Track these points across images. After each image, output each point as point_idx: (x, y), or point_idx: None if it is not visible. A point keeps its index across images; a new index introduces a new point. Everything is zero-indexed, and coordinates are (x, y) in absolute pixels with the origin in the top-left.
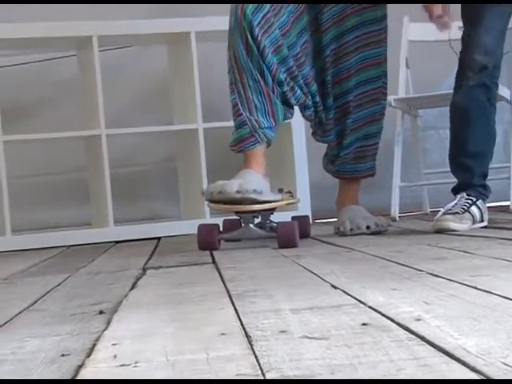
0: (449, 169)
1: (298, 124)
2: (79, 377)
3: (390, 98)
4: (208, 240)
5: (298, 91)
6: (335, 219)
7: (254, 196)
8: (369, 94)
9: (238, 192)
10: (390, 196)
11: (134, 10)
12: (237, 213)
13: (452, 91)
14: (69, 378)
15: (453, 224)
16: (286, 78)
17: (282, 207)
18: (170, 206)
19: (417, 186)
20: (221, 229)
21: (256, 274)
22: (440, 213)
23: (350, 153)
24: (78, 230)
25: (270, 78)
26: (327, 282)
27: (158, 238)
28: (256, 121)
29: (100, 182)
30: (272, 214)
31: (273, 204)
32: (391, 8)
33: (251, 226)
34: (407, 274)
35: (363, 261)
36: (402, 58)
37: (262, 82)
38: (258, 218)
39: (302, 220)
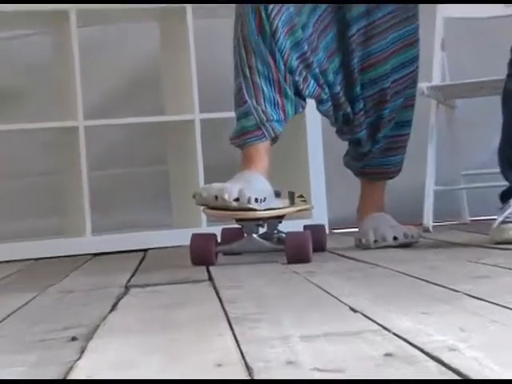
0: (491, 170)
1: (313, 114)
2: None
3: (423, 85)
4: (203, 253)
5: (312, 82)
6: (356, 229)
7: (255, 206)
8: (406, 79)
9: (236, 200)
10: (421, 202)
11: None
12: (238, 221)
13: (500, 78)
14: None
15: None
16: (298, 66)
17: (292, 214)
18: (160, 212)
19: (454, 189)
20: (219, 240)
21: (260, 293)
22: (498, 221)
23: (382, 145)
24: (48, 239)
25: (282, 64)
26: (345, 303)
27: (144, 251)
28: (263, 112)
29: (76, 184)
30: (280, 222)
31: (281, 211)
32: None
33: (255, 236)
34: (441, 295)
35: (389, 279)
36: (436, 39)
37: (273, 67)
38: (263, 227)
39: (316, 230)
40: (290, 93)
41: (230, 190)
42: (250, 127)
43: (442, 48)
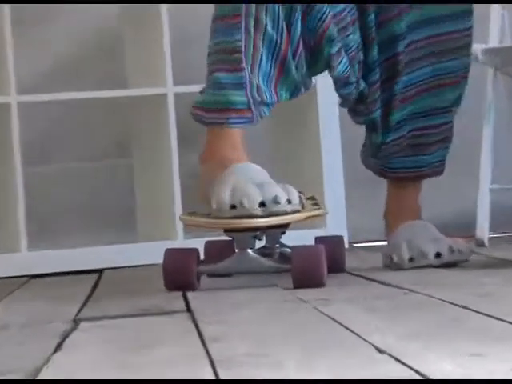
0: None
1: (327, 93)
2: None
3: (477, 47)
4: (180, 275)
5: (345, 59)
6: (384, 242)
7: (287, 209)
8: (436, 42)
9: (262, 205)
10: (473, 206)
11: None
12: (228, 232)
13: None
14: None
15: None
16: (337, 36)
17: (300, 222)
18: (120, 220)
19: None
20: (201, 256)
21: (255, 329)
22: None
23: (403, 138)
24: None
25: (298, 31)
26: (368, 342)
27: (99, 271)
28: (258, 88)
29: (7, 182)
30: (283, 233)
31: (285, 217)
32: None
33: (250, 252)
34: (496, 330)
35: (427, 309)
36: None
37: (285, 35)
38: (260, 239)
39: (332, 243)
40: (294, 72)
41: (253, 194)
42: (240, 104)
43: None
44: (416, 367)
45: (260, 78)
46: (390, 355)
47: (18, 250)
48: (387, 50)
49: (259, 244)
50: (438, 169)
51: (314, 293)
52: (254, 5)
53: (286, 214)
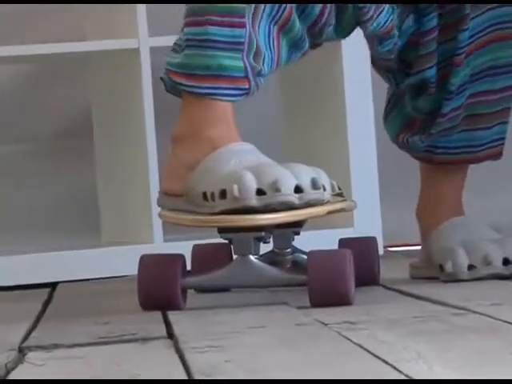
0: None
1: (355, 48)
2: None
3: None
4: (161, 289)
5: (387, 8)
6: (419, 247)
7: (324, 197)
8: None
9: (298, 190)
10: None
11: None
12: (222, 232)
13: None
14: None
15: None
16: None
17: (319, 217)
18: (78, 219)
19: None
20: (188, 265)
21: (259, 360)
22: None
23: (462, 106)
24: None
25: None
26: (407, 375)
27: (52, 285)
28: (256, 54)
29: None
30: (297, 233)
31: (300, 212)
32: None
33: (252, 259)
34: None
35: (485, 333)
36: None
37: None
38: (267, 241)
39: (361, 247)
40: (299, 28)
41: (287, 177)
42: (235, 70)
43: None
44: None
45: (262, 40)
46: None
47: None
48: None
49: (263, 248)
50: (496, 149)
51: (338, 313)
52: None
53: (322, 204)
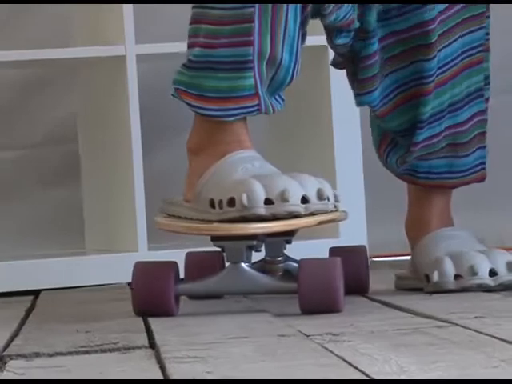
0: None
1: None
2: None
3: None
4: (155, 296)
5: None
6: (407, 257)
7: (328, 207)
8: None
9: (304, 201)
10: None
11: None
12: (216, 240)
13: None
14: None
15: None
16: None
17: (310, 229)
18: (62, 225)
19: None
20: (180, 273)
21: (240, 372)
22: None
23: (439, 136)
24: None
25: None
26: None
27: (34, 293)
28: (269, 60)
29: None
30: (289, 242)
31: (291, 222)
32: None
33: (244, 266)
34: None
35: (467, 347)
36: None
37: None
38: (259, 250)
39: (351, 256)
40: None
41: (294, 187)
42: (245, 89)
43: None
44: None
45: (286, 54)
46: None
47: None
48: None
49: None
50: (479, 173)
51: (321, 324)
52: None
53: (327, 212)
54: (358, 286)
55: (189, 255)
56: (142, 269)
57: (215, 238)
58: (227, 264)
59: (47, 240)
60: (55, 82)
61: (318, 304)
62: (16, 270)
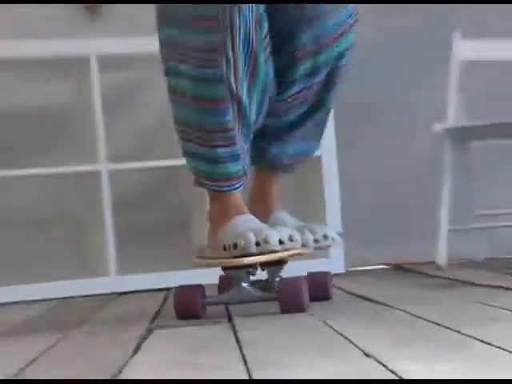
0: (504, 211)
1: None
2: None
3: (438, 126)
4: (190, 306)
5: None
6: (370, 266)
7: (296, 246)
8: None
9: (281, 243)
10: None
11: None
12: (226, 269)
13: None
14: None
15: None
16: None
17: (283, 258)
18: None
19: (467, 229)
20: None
21: (276, 338)
22: None
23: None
24: (77, 279)
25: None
26: (358, 347)
27: (167, 290)
28: (246, 151)
29: (99, 226)
30: (282, 268)
31: (271, 256)
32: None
33: (244, 285)
34: (452, 339)
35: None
36: (452, 81)
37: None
38: (254, 274)
39: (320, 277)
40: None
41: (273, 234)
42: (238, 172)
43: (459, 89)
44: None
45: (245, 145)
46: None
47: (107, 274)
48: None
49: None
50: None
51: (316, 314)
52: (237, 89)
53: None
54: (323, 294)
55: (221, 277)
56: (181, 289)
57: (225, 268)
58: (234, 284)
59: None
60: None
61: (290, 306)
62: (154, 276)
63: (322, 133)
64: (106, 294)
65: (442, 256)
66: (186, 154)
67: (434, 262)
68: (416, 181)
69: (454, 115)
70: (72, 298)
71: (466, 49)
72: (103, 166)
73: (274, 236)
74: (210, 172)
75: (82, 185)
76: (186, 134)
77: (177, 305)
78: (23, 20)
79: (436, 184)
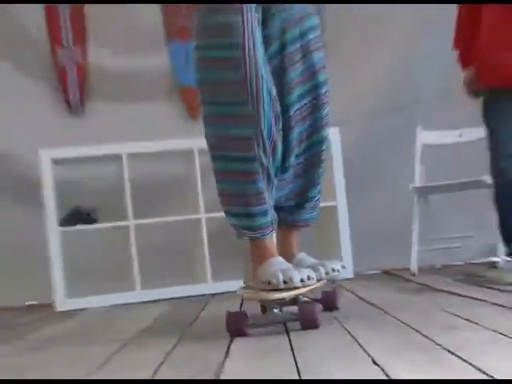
0: (457, 235)
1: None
2: None
3: (410, 186)
4: (238, 326)
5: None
6: (369, 271)
7: (313, 283)
8: (310, 105)
9: (301, 281)
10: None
11: None
12: (261, 301)
13: (468, 180)
14: None
15: None
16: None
17: (304, 292)
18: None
19: (431, 249)
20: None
21: (322, 341)
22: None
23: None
24: (183, 285)
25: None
26: (369, 355)
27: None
28: (272, 208)
29: (200, 255)
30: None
31: (295, 292)
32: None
33: (275, 311)
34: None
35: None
36: (417, 156)
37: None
38: (283, 305)
39: (330, 293)
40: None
41: (295, 274)
42: (268, 223)
43: (421, 162)
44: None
45: (271, 202)
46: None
47: (206, 280)
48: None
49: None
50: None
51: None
52: (264, 154)
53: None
54: (333, 306)
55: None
56: (230, 313)
57: (261, 301)
58: (268, 310)
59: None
60: None
61: (307, 325)
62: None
63: (319, 182)
64: (204, 295)
65: (413, 265)
66: (228, 214)
67: (409, 269)
68: (398, 217)
69: (419, 179)
70: (182, 298)
71: (425, 137)
72: (202, 215)
73: (296, 276)
74: (247, 225)
75: (188, 227)
76: (228, 200)
77: (229, 328)
78: (148, 123)
79: (410, 219)
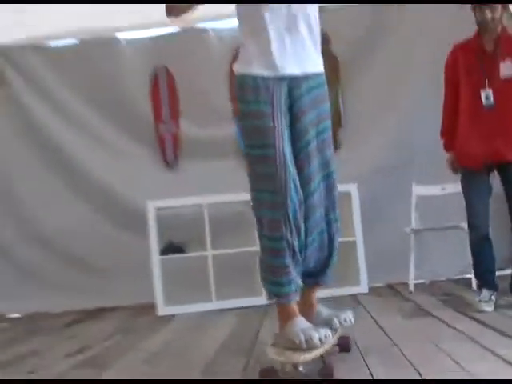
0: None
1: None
2: None
3: (407, 228)
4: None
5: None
6: (377, 284)
7: (330, 341)
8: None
9: (320, 341)
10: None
11: None
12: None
13: (454, 224)
14: None
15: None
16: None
17: (321, 352)
18: None
19: (423, 271)
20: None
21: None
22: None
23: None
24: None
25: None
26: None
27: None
28: (297, 277)
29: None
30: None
31: (316, 351)
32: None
33: (300, 368)
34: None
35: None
36: (412, 205)
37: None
38: (302, 362)
39: (345, 339)
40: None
41: (315, 335)
42: (292, 291)
43: (415, 210)
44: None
45: (295, 271)
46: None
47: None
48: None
49: None
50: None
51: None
52: (292, 227)
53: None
54: (347, 349)
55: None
56: (261, 371)
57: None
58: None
59: None
60: None
61: (324, 374)
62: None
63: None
64: (259, 306)
65: (411, 284)
66: (263, 279)
67: (406, 283)
68: (398, 250)
69: (414, 222)
70: (240, 308)
71: (419, 190)
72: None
73: (315, 337)
74: (276, 292)
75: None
76: (263, 268)
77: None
78: (222, 177)
79: (407, 251)
